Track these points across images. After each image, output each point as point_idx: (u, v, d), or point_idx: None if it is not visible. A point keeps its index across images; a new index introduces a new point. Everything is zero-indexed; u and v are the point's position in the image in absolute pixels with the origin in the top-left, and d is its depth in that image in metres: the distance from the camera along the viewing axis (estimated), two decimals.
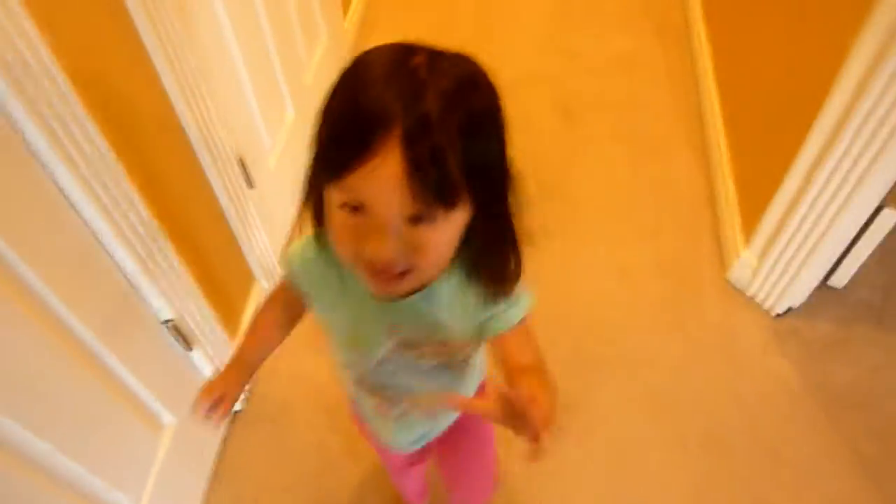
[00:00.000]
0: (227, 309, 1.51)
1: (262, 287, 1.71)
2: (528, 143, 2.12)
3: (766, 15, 1.80)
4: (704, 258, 1.84)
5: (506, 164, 0.65)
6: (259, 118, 1.64)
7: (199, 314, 1.33)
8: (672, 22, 2.57)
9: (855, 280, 1.71)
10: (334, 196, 0.60)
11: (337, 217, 0.61)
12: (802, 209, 1.51)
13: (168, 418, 1.30)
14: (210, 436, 1.49)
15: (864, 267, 1.67)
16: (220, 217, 1.48)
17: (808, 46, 1.52)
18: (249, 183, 1.56)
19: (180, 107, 1.24)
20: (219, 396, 0.84)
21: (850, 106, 1.32)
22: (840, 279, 1.71)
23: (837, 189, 1.43)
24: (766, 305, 1.71)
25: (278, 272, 1.77)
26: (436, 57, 0.60)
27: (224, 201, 1.46)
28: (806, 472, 1.45)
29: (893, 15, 1.18)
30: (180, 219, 1.30)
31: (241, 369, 0.89)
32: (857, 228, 1.54)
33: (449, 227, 0.61)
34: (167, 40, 1.15)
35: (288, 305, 0.88)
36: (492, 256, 0.69)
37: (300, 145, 1.89)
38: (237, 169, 1.48)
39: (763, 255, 1.66)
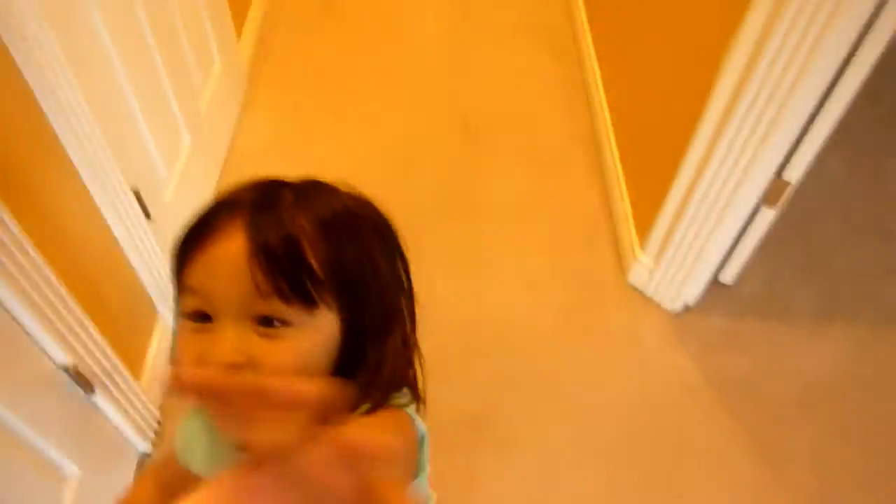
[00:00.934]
0: (129, 346, 1.45)
1: (167, 323, 1.65)
2: (430, 159, 2.16)
3: (647, 24, 1.92)
4: (606, 264, 1.92)
5: (389, 291, 0.56)
6: (153, 149, 1.59)
7: (100, 356, 1.27)
8: (561, 36, 2.68)
9: (743, 276, 1.83)
10: (183, 316, 0.52)
11: (182, 333, 0.52)
12: (690, 211, 1.61)
13: (71, 469, 1.23)
14: (118, 481, 1.42)
15: (749, 263, 1.79)
16: (117, 251, 1.42)
17: (686, 56, 1.64)
18: (146, 214, 1.51)
19: (69, 141, 1.19)
20: None
21: (727, 112, 1.42)
22: (729, 275, 1.83)
23: (720, 191, 1.54)
24: (665, 305, 1.81)
25: None
26: (304, 189, 0.54)
27: (121, 234, 1.40)
28: (710, 462, 1.54)
29: (760, 25, 1.28)
30: (74, 257, 1.24)
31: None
32: (740, 227, 1.65)
33: (304, 337, 0.50)
34: (53, 79, 1.11)
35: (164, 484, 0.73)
36: (376, 362, 0.56)
37: (197, 173, 1.86)
38: (133, 201, 1.43)
39: (658, 256, 1.75)
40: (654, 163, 1.81)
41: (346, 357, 0.55)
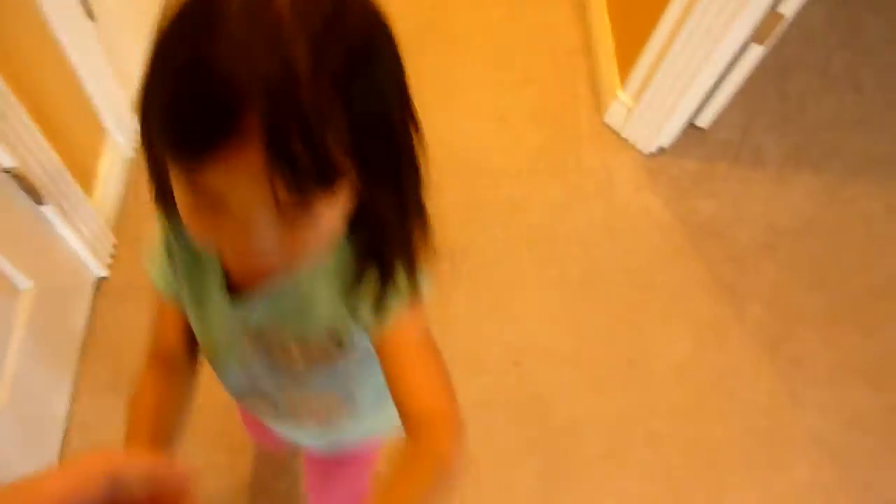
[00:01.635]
0: (78, 161, 1.34)
1: (116, 140, 1.53)
2: None
3: None
4: (581, 102, 1.85)
5: (403, 120, 0.53)
6: None
7: (47, 162, 1.17)
8: None
9: (718, 120, 1.80)
10: (182, 183, 0.47)
11: (188, 209, 0.48)
12: (676, 46, 1.54)
13: (24, 283, 1.16)
14: (75, 303, 1.36)
15: (727, 108, 1.76)
16: (59, 53, 1.28)
17: None
18: (90, 14, 1.34)
19: None
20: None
21: None
22: (705, 119, 1.80)
23: (711, 23, 1.46)
24: (640, 146, 1.77)
25: (131, 124, 1.60)
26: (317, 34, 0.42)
27: (62, 34, 1.25)
28: (673, 298, 1.57)
29: None
30: (13, 54, 1.10)
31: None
32: (725, 64, 1.60)
33: (328, 213, 0.48)
34: None
35: (174, 321, 0.66)
36: (384, 241, 0.56)
37: None
38: None
39: (638, 95, 1.70)
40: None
41: (358, 212, 0.52)
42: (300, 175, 0.42)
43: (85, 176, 1.39)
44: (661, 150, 1.78)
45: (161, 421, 0.63)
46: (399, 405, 0.56)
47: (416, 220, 0.59)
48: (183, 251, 0.61)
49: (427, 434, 0.54)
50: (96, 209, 1.40)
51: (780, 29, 1.51)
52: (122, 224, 1.51)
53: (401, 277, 0.57)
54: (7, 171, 1.08)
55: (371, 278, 0.57)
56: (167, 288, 0.64)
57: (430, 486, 0.51)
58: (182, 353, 0.67)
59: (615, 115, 1.78)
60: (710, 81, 1.63)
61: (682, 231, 1.66)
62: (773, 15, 1.46)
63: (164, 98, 0.43)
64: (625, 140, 1.79)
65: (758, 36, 1.53)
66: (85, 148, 1.41)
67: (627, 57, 1.72)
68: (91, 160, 1.44)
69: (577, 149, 1.77)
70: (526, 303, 1.52)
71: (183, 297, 0.63)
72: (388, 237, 0.56)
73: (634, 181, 1.73)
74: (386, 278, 0.57)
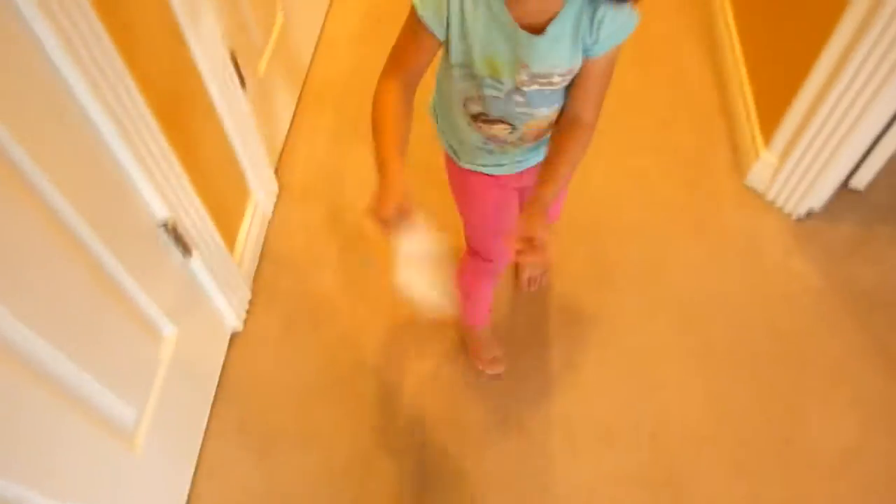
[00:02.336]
0: (224, 217, 1.41)
1: (258, 200, 1.60)
2: None
3: None
4: (721, 161, 1.76)
5: None
6: (250, 17, 1.51)
7: (196, 216, 1.23)
8: None
9: (875, 181, 1.65)
10: None
11: None
12: (826, 107, 1.43)
13: (168, 329, 1.21)
14: (212, 351, 1.41)
15: (885, 168, 1.61)
16: (213, 113, 1.36)
17: None
18: (242, 81, 1.44)
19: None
20: (397, 201, 0.80)
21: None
22: (861, 180, 1.65)
23: (863, 86, 1.36)
24: (787, 208, 1.65)
25: (273, 185, 1.67)
26: None
27: (216, 97, 1.34)
28: (834, 374, 1.41)
29: None
30: (174, 110, 1.18)
31: (399, 165, 0.83)
32: (880, 128, 1.47)
33: None
34: None
35: (421, 52, 0.88)
36: None
37: (289, 52, 1.78)
38: (230, 64, 1.36)
39: (784, 155, 1.59)
40: (783, 53, 1.61)
41: None
42: None
43: (228, 232, 1.45)
44: (812, 213, 1.64)
45: (400, 132, 0.87)
46: (569, 106, 0.94)
47: None
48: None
49: (576, 130, 0.93)
50: (237, 264, 1.46)
51: None
52: (257, 280, 1.57)
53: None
54: (161, 223, 1.15)
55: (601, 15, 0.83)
56: (435, 22, 0.84)
57: (576, 163, 0.94)
58: (418, 80, 0.90)
59: (759, 175, 1.67)
60: (867, 141, 1.51)
61: (841, 299, 1.51)
62: None
63: None
64: (770, 202, 1.67)
65: None
66: (230, 206, 1.49)
67: (771, 115, 1.62)
68: (235, 218, 1.52)
69: (719, 209, 1.67)
70: (664, 372, 1.42)
71: (467, 25, 0.84)
72: None
73: (783, 245, 1.60)
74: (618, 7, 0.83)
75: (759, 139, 1.67)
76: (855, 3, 1.30)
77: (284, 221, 1.67)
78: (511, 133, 0.97)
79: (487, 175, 1.07)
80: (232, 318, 1.46)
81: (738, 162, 1.75)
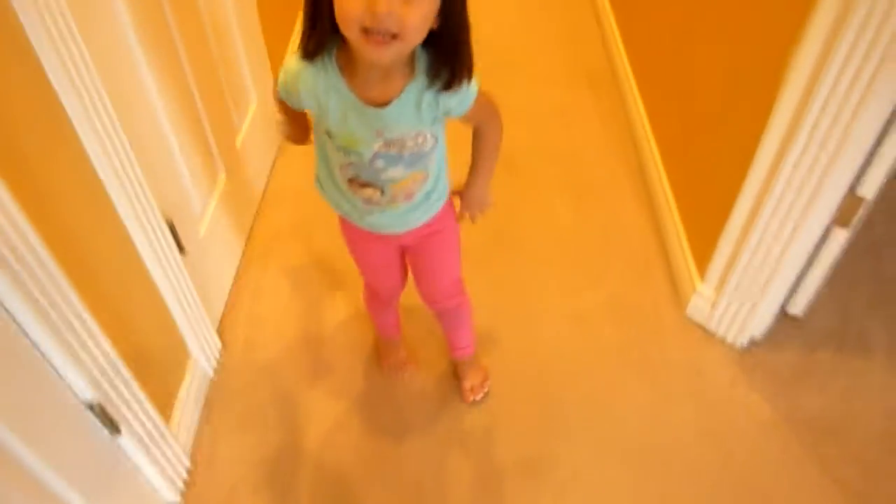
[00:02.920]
0: (159, 387, 1.37)
1: (198, 362, 1.57)
2: None
3: (691, 47, 1.84)
4: (660, 297, 1.80)
5: None
6: (189, 182, 1.55)
7: (127, 394, 1.19)
8: (599, 71, 2.63)
9: (813, 307, 1.69)
10: None
11: None
12: (754, 237, 1.49)
13: None
14: None
15: (820, 291, 1.66)
16: (149, 285, 1.36)
17: (740, 74, 1.55)
18: (181, 248, 1.45)
19: (103, 168, 1.13)
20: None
21: (792, 128, 1.32)
22: (798, 306, 1.70)
23: (787, 212, 1.42)
24: (729, 339, 1.67)
25: (214, 348, 1.64)
26: None
27: (153, 266, 1.34)
28: None
29: (831, 18, 1.19)
30: (103, 288, 1.17)
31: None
32: (809, 252, 1.53)
33: (427, 4, 0.84)
34: (90, 104, 1.07)
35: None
36: (452, 48, 0.93)
37: (232, 210, 1.81)
38: (167, 232, 1.37)
39: (720, 286, 1.63)
40: (709, 187, 1.70)
41: (439, 25, 0.89)
42: None
43: (164, 400, 1.41)
44: (754, 343, 1.67)
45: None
46: (473, 127, 1.17)
47: (468, 35, 0.93)
48: (319, 71, 0.97)
49: (484, 131, 1.17)
50: (173, 434, 1.40)
51: (863, 211, 1.45)
52: (197, 447, 1.50)
53: (465, 73, 0.97)
54: (87, 404, 1.10)
55: (446, 77, 0.95)
56: (294, 102, 1.04)
57: (497, 149, 1.20)
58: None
59: (698, 307, 1.71)
60: (797, 267, 1.56)
61: (790, 429, 1.50)
62: (852, 198, 1.41)
63: None
64: (712, 333, 1.70)
65: (840, 219, 1.47)
66: (167, 371, 1.45)
67: (702, 249, 1.68)
68: (172, 383, 1.47)
69: (662, 345, 1.69)
70: None
71: (324, 107, 1.00)
72: (456, 44, 0.93)
73: (729, 376, 1.61)
74: (461, 73, 0.96)
75: (695, 272, 1.72)
76: (768, 136, 1.37)
77: (227, 380, 1.63)
78: (382, 196, 1.11)
79: (369, 231, 1.22)
80: (167, 491, 1.38)
81: (677, 295, 1.79)
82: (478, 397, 1.57)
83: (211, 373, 1.63)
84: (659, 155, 2.05)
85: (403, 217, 1.18)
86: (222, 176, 1.76)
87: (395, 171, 1.07)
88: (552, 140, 2.34)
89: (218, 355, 1.67)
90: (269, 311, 1.78)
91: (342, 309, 1.78)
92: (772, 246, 1.49)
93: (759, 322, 1.64)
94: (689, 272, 1.73)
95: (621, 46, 2.56)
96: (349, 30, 0.85)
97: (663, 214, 1.95)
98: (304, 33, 0.93)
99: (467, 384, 1.57)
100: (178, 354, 1.51)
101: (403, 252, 1.35)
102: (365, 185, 1.10)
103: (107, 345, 1.13)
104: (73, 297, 1.03)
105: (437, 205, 1.21)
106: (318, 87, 0.98)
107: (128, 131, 1.19)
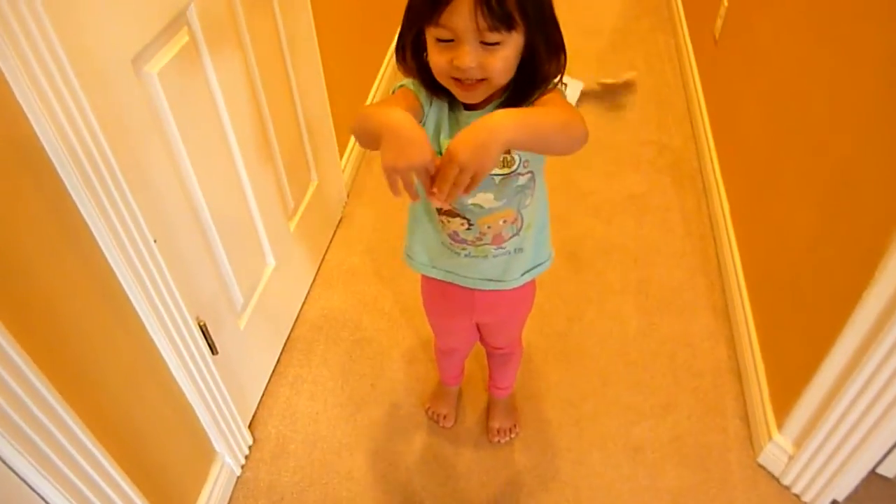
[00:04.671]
0: (175, 496, 1.30)
1: (226, 463, 1.49)
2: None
3: (793, 172, 1.66)
4: (731, 436, 1.61)
5: (546, 7, 0.90)
6: (231, 276, 1.49)
7: None
8: (685, 160, 2.46)
9: None
10: (432, 37, 0.89)
11: (435, 50, 0.90)
12: (847, 396, 1.30)
13: None
14: None
15: None
16: (171, 390, 1.29)
17: (846, 194, 1.36)
18: (213, 349, 1.38)
19: (121, 269, 1.07)
20: (424, 143, 0.81)
21: None
22: (891, 468, 1.48)
23: (893, 375, 1.23)
24: (807, 498, 1.47)
25: (242, 444, 1.57)
26: None
27: (178, 373, 1.28)
28: None
29: None
30: (112, 403, 1.11)
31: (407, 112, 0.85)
32: None
33: (508, 49, 0.88)
34: (112, 206, 1.01)
35: (406, 105, 0.95)
36: (534, 78, 0.94)
37: (279, 299, 1.74)
38: (197, 336, 1.31)
39: (801, 441, 1.44)
40: (798, 320, 1.50)
41: (524, 67, 0.92)
42: (492, 13, 0.83)
43: (186, 500, 1.34)
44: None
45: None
46: None
47: (557, 45, 0.94)
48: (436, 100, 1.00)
49: (563, 109, 0.93)
50: None
51: None
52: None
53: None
54: None
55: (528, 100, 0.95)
56: (418, 92, 0.99)
57: (560, 118, 0.90)
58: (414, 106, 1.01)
59: (773, 457, 1.51)
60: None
61: None
62: None
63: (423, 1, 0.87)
64: (786, 488, 1.50)
65: None
66: (186, 478, 1.38)
67: (784, 395, 1.49)
68: (192, 488, 1.40)
69: (729, 495, 1.50)
70: None
71: (429, 115, 1.00)
72: (542, 62, 0.93)
73: None
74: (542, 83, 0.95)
75: (772, 419, 1.52)
76: (882, 271, 1.16)
77: (255, 478, 1.55)
78: (468, 230, 1.09)
79: (438, 281, 1.21)
80: None
81: (751, 438, 1.59)
82: (503, 440, 1.60)
83: (238, 471, 1.56)
84: (743, 274, 1.86)
85: (489, 266, 1.15)
86: (270, 265, 1.70)
87: (485, 198, 1.03)
88: (624, 232, 2.19)
89: (247, 451, 1.59)
90: (306, 406, 1.70)
91: (383, 406, 1.69)
92: (871, 405, 1.29)
93: (845, 485, 1.44)
94: (766, 417, 1.54)
95: (710, 138, 2.39)
96: (442, 79, 0.93)
97: (742, 343, 1.75)
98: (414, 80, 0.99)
99: (496, 424, 1.61)
100: (201, 455, 1.44)
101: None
102: (453, 214, 1.07)
103: (116, 474, 1.06)
104: (75, 425, 0.97)
105: (523, 274, 1.19)
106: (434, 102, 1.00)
107: (157, 230, 1.13)
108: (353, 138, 2.33)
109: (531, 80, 0.94)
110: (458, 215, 1.07)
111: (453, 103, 0.99)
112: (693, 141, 2.55)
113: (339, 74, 2.08)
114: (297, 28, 1.71)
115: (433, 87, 0.97)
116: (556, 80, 0.96)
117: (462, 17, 0.83)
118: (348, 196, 2.29)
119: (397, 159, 0.77)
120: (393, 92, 1.02)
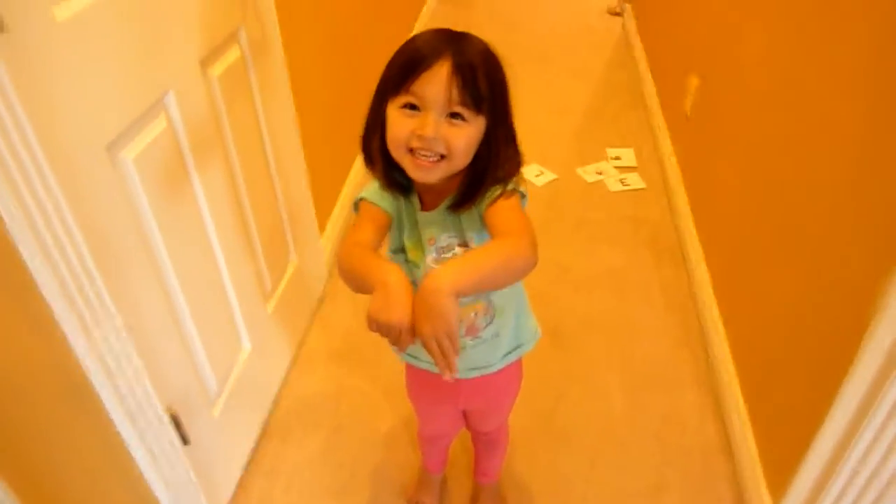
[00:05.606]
0: None
1: None
2: None
3: (772, 241, 1.68)
4: None
5: (509, 104, 0.94)
6: (205, 362, 1.44)
7: None
8: (662, 232, 2.48)
9: None
10: (397, 104, 0.89)
11: (397, 117, 0.89)
12: (850, 462, 1.26)
13: None
14: None
15: None
16: (137, 485, 1.22)
17: (831, 279, 1.36)
18: (184, 440, 1.32)
19: (91, 366, 1.03)
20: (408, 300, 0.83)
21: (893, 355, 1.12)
22: None
23: (889, 450, 1.20)
24: None
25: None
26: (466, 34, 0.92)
27: (146, 467, 1.20)
28: None
29: None
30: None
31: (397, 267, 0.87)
32: None
33: (472, 128, 0.90)
34: (79, 292, 0.97)
35: (377, 225, 0.99)
36: (484, 172, 0.94)
37: (255, 384, 1.68)
38: (168, 426, 1.25)
39: None
40: (789, 391, 1.48)
41: (481, 152, 0.93)
42: (465, 87, 0.86)
43: None
44: None
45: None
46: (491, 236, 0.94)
47: (514, 146, 0.97)
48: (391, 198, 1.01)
49: (507, 237, 0.89)
50: None
51: None
52: None
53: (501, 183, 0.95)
54: None
55: (472, 195, 0.95)
56: (381, 202, 1.00)
57: (501, 255, 0.86)
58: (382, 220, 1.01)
59: None
60: None
61: None
62: None
63: (399, 66, 0.89)
64: None
65: None
66: None
67: (779, 471, 1.45)
68: None
69: None
70: None
71: (400, 215, 1.02)
72: (498, 158, 0.94)
73: None
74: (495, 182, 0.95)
75: (768, 499, 1.47)
76: (873, 338, 1.13)
77: None
78: None
79: (421, 370, 1.19)
80: None
81: None
82: None
83: None
84: (728, 346, 1.84)
85: (469, 357, 1.12)
86: (246, 349, 1.65)
87: None
88: (605, 308, 2.17)
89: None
90: (281, 498, 1.61)
91: (363, 497, 1.61)
92: (876, 474, 1.25)
93: None
94: (762, 497, 1.48)
95: (689, 211, 2.42)
96: (397, 152, 0.92)
97: (732, 419, 1.71)
98: (369, 170, 1.00)
99: None
100: None
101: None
102: None
103: None
104: None
105: (504, 356, 1.17)
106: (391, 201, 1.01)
107: (128, 317, 1.09)
108: (332, 217, 2.33)
109: (484, 174, 0.94)
110: None
111: (409, 204, 1.01)
112: (670, 214, 2.58)
113: (320, 157, 2.09)
114: (278, 114, 1.73)
115: (393, 185, 0.98)
116: (511, 184, 0.95)
117: (436, 84, 0.85)
118: (329, 275, 2.26)
119: (380, 313, 0.81)
120: (355, 207, 1.02)
